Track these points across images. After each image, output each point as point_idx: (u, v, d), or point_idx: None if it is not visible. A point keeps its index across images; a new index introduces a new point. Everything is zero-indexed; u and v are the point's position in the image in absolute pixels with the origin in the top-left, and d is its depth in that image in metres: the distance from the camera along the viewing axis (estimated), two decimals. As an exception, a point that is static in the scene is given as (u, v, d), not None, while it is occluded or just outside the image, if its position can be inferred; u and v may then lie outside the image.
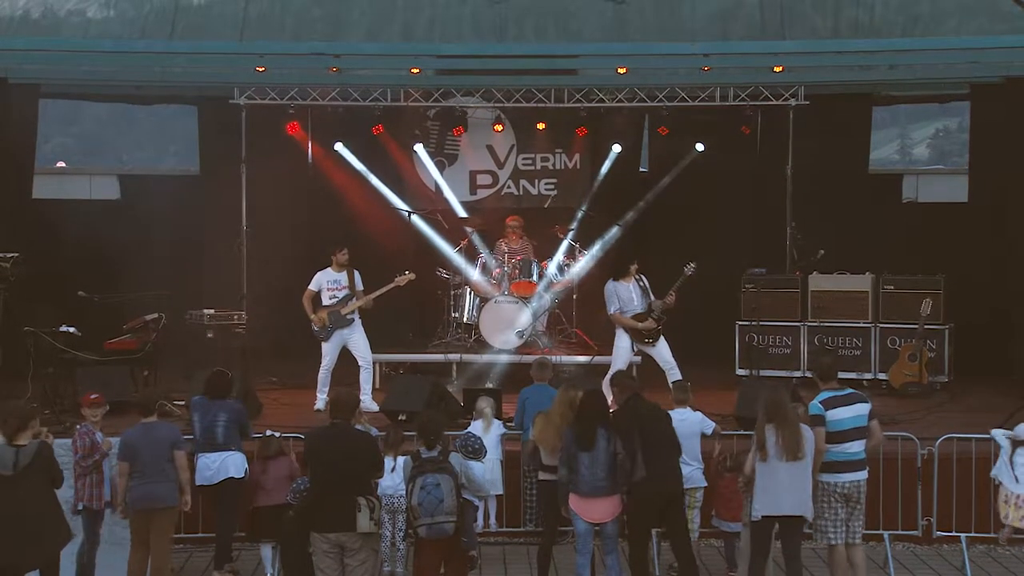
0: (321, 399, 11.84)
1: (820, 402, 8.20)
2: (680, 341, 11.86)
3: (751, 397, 10.80)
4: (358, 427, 8.30)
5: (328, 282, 11.94)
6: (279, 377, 13.63)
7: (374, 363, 12.61)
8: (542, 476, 8.97)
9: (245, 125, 14.21)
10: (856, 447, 8.18)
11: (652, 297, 11.70)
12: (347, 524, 7.61)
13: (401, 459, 8.42)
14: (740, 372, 13.68)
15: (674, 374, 11.27)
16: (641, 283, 11.75)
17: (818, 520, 8.22)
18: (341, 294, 11.93)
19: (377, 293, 12.09)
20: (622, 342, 11.69)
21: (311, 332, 12.07)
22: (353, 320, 11.96)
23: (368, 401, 11.63)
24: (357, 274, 12.10)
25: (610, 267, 12.55)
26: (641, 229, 14.85)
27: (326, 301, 11.91)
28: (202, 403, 9.06)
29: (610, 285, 11.72)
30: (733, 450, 9.14)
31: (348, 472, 7.72)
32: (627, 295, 11.65)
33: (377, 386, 12.72)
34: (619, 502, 8.26)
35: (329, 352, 11.93)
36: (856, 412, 8.21)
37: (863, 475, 8.22)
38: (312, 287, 11.96)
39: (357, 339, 11.98)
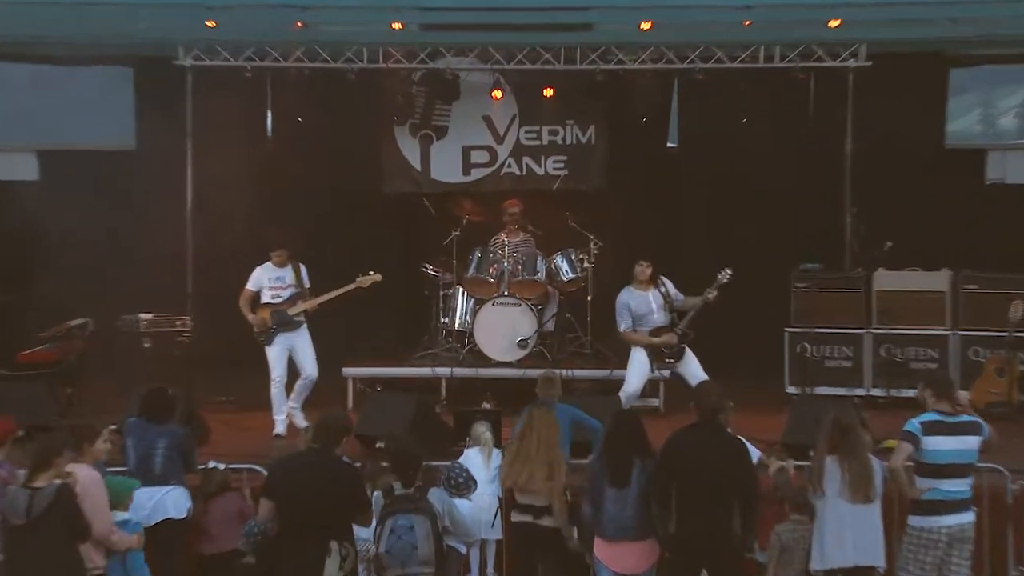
0: (279, 422, 11.88)
1: (920, 422, 8.14)
2: (714, 352, 11.86)
3: (805, 420, 10.77)
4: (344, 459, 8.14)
5: (270, 279, 12.02)
6: (230, 395, 13.57)
7: (349, 379, 12.73)
8: (516, 518, 8.76)
9: (191, 91, 14.24)
10: (956, 485, 8.12)
11: (683, 298, 11.59)
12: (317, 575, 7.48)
13: (376, 493, 8.30)
14: (790, 390, 13.63)
15: None
16: (663, 289, 11.69)
17: (901, 572, 8.18)
18: (286, 293, 12.01)
19: (330, 295, 12.11)
20: (639, 355, 11.71)
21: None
22: (302, 323, 11.98)
23: (298, 416, 11.78)
24: (303, 269, 12.14)
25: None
26: (669, 217, 14.79)
27: (268, 301, 11.98)
28: (138, 427, 9.05)
29: (623, 296, 11.75)
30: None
31: (322, 511, 7.55)
32: (644, 306, 11.67)
33: (350, 406, 12.74)
34: (653, 548, 8.13)
35: (277, 362, 11.94)
36: (962, 445, 8.17)
37: (968, 517, 8.19)
38: (251, 286, 12.04)
39: (303, 345, 12.01)
